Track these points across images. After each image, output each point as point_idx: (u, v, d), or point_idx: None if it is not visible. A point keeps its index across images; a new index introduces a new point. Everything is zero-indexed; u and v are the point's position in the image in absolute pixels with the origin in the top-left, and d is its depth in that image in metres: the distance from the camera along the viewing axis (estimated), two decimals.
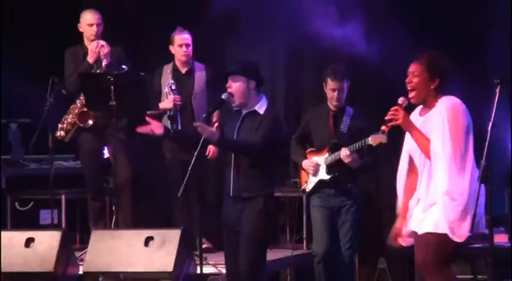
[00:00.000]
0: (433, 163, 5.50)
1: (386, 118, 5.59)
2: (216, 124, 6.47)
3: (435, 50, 5.76)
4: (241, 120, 6.41)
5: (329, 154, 7.19)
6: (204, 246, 6.65)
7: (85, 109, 8.02)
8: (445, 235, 5.46)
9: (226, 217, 6.45)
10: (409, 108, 5.69)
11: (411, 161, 5.71)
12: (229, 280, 6.49)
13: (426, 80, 5.55)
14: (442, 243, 5.47)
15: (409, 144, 5.68)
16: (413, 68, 5.59)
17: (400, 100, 5.58)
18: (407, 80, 5.60)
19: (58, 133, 8.12)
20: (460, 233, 5.48)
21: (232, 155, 6.40)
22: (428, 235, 5.50)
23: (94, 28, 8.10)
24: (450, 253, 5.53)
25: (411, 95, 5.58)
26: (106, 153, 8.21)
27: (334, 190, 7.21)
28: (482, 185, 5.53)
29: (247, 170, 6.37)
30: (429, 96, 5.57)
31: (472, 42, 8.47)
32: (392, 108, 5.58)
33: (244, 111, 6.43)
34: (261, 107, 6.42)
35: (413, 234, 5.64)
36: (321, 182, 7.24)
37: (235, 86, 6.34)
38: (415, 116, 5.69)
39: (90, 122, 8.05)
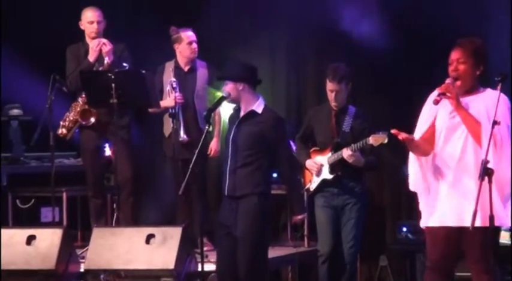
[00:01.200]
0: (492, 147, 5.25)
1: (439, 90, 5.40)
2: None
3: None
4: (240, 120, 6.44)
5: (332, 154, 7.19)
6: (205, 248, 6.63)
7: (87, 107, 8.00)
8: (494, 229, 5.26)
9: (221, 217, 6.44)
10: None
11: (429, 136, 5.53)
12: (220, 277, 6.46)
13: (472, 66, 5.42)
14: (493, 237, 5.31)
15: (445, 122, 5.47)
16: (457, 54, 5.43)
17: (448, 80, 5.40)
18: (451, 68, 5.44)
19: (60, 131, 8.12)
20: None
21: (229, 153, 6.39)
22: (484, 230, 5.23)
23: (95, 25, 8.09)
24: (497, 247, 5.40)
25: (458, 83, 5.40)
26: (107, 151, 8.20)
27: (338, 188, 7.21)
28: None
29: (241, 168, 6.36)
30: (474, 85, 5.45)
31: (471, 34, 8.44)
32: (445, 82, 5.39)
33: (242, 112, 6.46)
34: (258, 107, 6.44)
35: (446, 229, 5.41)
36: (324, 182, 7.25)
37: (227, 89, 6.44)
38: (431, 100, 5.50)
39: (92, 119, 8.04)
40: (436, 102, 5.43)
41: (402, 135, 5.43)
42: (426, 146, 5.50)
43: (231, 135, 6.42)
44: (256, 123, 6.40)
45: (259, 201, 6.35)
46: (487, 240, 5.27)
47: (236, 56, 8.53)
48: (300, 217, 6.61)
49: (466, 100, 5.45)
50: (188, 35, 8.12)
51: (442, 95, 5.38)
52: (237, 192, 6.35)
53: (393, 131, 5.48)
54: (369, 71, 8.44)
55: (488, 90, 5.48)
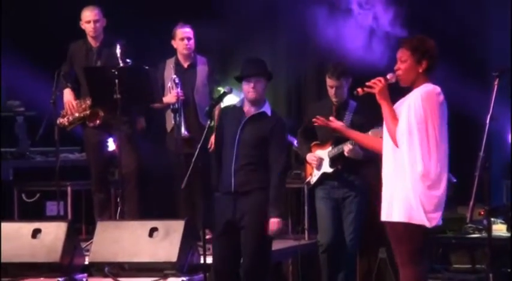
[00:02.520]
0: (399, 144, 5.44)
1: (366, 84, 5.58)
2: None
3: (421, 34, 5.73)
4: (246, 120, 6.46)
5: (332, 148, 7.21)
6: (207, 237, 6.65)
7: (95, 109, 8.00)
8: (418, 225, 5.38)
9: (223, 213, 6.45)
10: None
11: None
12: (217, 271, 6.48)
13: (413, 64, 5.50)
14: (415, 232, 5.40)
15: None
16: (400, 53, 5.54)
17: (389, 75, 5.55)
18: (395, 67, 5.55)
19: (60, 121, 8.07)
20: (430, 217, 5.38)
21: (234, 151, 6.41)
22: (400, 225, 5.43)
23: (91, 25, 8.08)
24: (421, 242, 5.44)
25: (400, 78, 5.53)
26: (111, 145, 8.21)
27: (338, 182, 7.24)
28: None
29: (248, 166, 6.41)
30: (418, 80, 5.51)
31: (471, 35, 8.46)
32: (376, 78, 5.55)
33: (252, 110, 6.48)
34: (267, 109, 6.53)
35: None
36: (324, 175, 7.27)
37: (261, 87, 6.46)
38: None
39: (98, 121, 8.05)
40: (357, 93, 5.65)
41: (332, 124, 5.66)
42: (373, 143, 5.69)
43: (238, 135, 6.43)
44: (265, 125, 6.46)
45: (266, 196, 6.42)
46: (401, 235, 5.40)
47: (239, 53, 8.55)
48: (272, 219, 6.40)
49: (407, 96, 5.52)
50: (182, 31, 8.09)
51: (367, 87, 5.55)
52: (245, 188, 6.40)
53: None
54: (369, 66, 8.43)
55: (422, 86, 5.49)
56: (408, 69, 5.50)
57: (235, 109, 6.58)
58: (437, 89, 5.48)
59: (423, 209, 5.37)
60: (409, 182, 5.40)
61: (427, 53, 5.49)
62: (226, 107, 6.89)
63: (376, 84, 5.52)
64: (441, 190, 5.41)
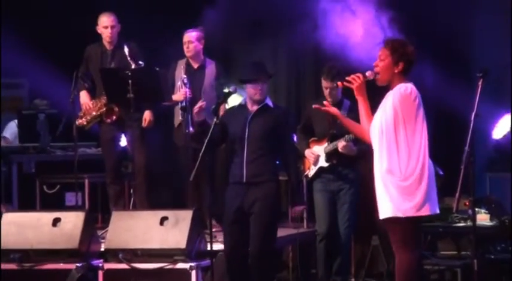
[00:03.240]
0: (373, 140, 5.45)
1: (346, 78, 5.57)
2: None
3: (403, 36, 5.71)
4: (252, 115, 6.49)
5: (328, 144, 7.22)
6: (214, 229, 6.64)
7: (110, 106, 8.00)
8: (399, 218, 5.37)
9: (234, 200, 6.45)
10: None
11: None
12: (230, 256, 6.49)
13: (390, 63, 5.46)
14: (394, 223, 5.40)
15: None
16: (380, 52, 5.52)
17: (368, 73, 5.52)
18: (374, 63, 5.53)
19: (79, 121, 8.09)
20: (406, 209, 5.35)
21: (244, 144, 6.42)
22: (385, 221, 5.45)
23: (109, 30, 8.10)
24: (411, 231, 5.41)
25: (377, 77, 5.51)
26: (124, 141, 8.21)
27: (333, 175, 7.25)
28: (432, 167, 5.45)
29: (260, 158, 6.44)
30: (394, 79, 5.48)
31: (457, 36, 8.43)
32: (355, 74, 5.54)
33: (256, 106, 6.49)
34: (269, 102, 6.56)
35: None
36: (321, 169, 7.28)
37: (264, 88, 6.51)
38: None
39: (114, 117, 8.05)
40: (337, 85, 5.74)
41: (326, 109, 5.66)
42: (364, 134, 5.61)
43: (246, 129, 6.44)
44: (270, 116, 6.49)
45: (276, 186, 6.49)
46: (389, 227, 5.43)
47: (242, 55, 8.52)
48: (300, 208, 6.66)
49: (386, 97, 5.49)
50: (185, 35, 8.11)
51: (346, 82, 5.54)
52: (256, 179, 6.43)
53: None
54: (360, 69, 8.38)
55: (397, 87, 5.46)
56: (385, 68, 5.47)
57: (240, 107, 6.61)
58: (410, 89, 5.42)
59: (394, 203, 5.36)
60: (379, 178, 5.42)
61: (405, 56, 5.47)
62: (232, 108, 6.89)
63: (355, 80, 5.50)
64: (412, 183, 5.35)
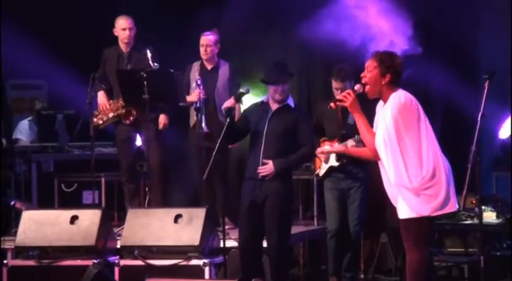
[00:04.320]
0: (380, 154, 5.41)
1: (337, 97, 5.56)
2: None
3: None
4: (272, 113, 6.52)
5: (338, 144, 7.20)
6: (226, 227, 6.65)
7: (129, 108, 8.02)
8: (417, 218, 5.37)
9: (250, 197, 6.47)
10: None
11: None
12: (244, 249, 6.50)
13: (378, 75, 5.43)
14: (410, 223, 5.40)
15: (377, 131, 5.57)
16: (368, 63, 5.49)
17: (356, 87, 5.49)
18: (361, 75, 5.50)
19: (95, 120, 8.11)
20: (426, 210, 5.35)
21: (262, 141, 6.42)
22: (404, 220, 5.44)
23: (127, 32, 8.12)
24: (424, 232, 5.41)
25: (366, 88, 5.47)
26: (139, 141, 8.22)
27: (343, 174, 7.24)
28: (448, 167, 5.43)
29: (276, 155, 6.47)
30: (383, 91, 5.44)
31: (464, 39, 8.41)
32: (345, 91, 5.51)
33: (276, 105, 6.52)
34: (291, 102, 6.59)
35: None
36: (331, 168, 7.27)
37: (286, 89, 6.55)
38: (379, 106, 5.56)
39: (132, 118, 8.08)
40: (330, 107, 5.64)
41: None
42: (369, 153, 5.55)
43: (265, 127, 6.47)
44: (289, 116, 6.53)
45: (289, 182, 6.57)
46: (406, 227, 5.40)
47: (255, 59, 8.52)
48: (269, 165, 6.47)
49: (383, 110, 5.46)
50: (203, 38, 8.11)
51: (338, 101, 5.51)
52: (272, 176, 6.43)
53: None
54: None
55: (391, 98, 5.43)
56: (373, 79, 5.43)
57: (262, 105, 6.62)
58: (403, 96, 5.38)
59: (411, 206, 5.36)
60: (396, 188, 5.41)
61: (392, 68, 5.43)
62: (255, 104, 6.85)
63: (347, 98, 5.46)
64: (426, 189, 5.33)
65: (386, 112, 5.40)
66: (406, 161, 5.33)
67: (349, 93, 5.46)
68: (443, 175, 5.36)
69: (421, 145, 5.35)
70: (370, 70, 5.45)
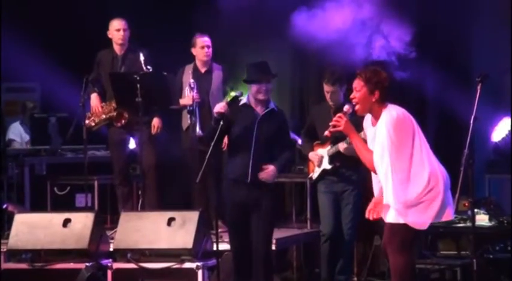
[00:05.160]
0: (377, 171, 5.48)
1: (330, 124, 5.60)
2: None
3: (373, 65, 5.75)
4: (261, 117, 6.45)
5: (331, 147, 7.19)
6: (220, 230, 6.62)
7: (120, 111, 7.99)
8: (404, 224, 5.41)
9: (237, 200, 6.41)
10: None
11: None
12: (237, 254, 6.46)
13: (366, 94, 5.47)
14: (403, 230, 5.42)
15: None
16: (355, 83, 5.55)
17: (345, 108, 5.61)
18: (351, 96, 5.56)
19: (87, 122, 8.07)
20: (419, 223, 5.40)
21: (251, 146, 6.39)
22: (391, 224, 5.48)
23: (121, 33, 8.10)
24: (410, 238, 5.45)
25: (356, 108, 5.54)
26: (132, 143, 8.19)
27: (336, 177, 7.22)
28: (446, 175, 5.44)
29: (265, 160, 6.41)
30: (373, 108, 5.50)
31: (457, 43, 8.41)
32: (336, 116, 5.58)
33: (261, 110, 6.46)
34: (273, 105, 6.53)
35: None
36: (324, 171, 7.24)
37: (270, 89, 6.48)
38: (367, 123, 5.63)
39: (124, 121, 8.05)
40: (326, 137, 5.89)
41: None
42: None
43: (255, 130, 6.40)
44: (276, 120, 6.48)
45: (276, 188, 6.53)
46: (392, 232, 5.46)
47: (248, 58, 8.47)
48: (268, 168, 6.39)
49: (376, 126, 5.50)
50: (202, 40, 8.09)
51: (332, 128, 5.60)
52: (260, 180, 6.40)
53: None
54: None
55: (385, 112, 5.46)
56: (362, 98, 5.49)
57: (245, 107, 6.53)
58: (395, 112, 5.43)
59: (400, 213, 5.41)
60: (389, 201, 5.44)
61: (379, 84, 5.47)
62: (235, 105, 6.66)
63: (339, 122, 5.54)
64: (418, 204, 5.37)
65: (380, 129, 5.43)
66: (402, 176, 5.37)
67: (340, 117, 5.55)
68: (441, 184, 5.41)
69: (416, 158, 5.39)
70: (359, 90, 5.51)
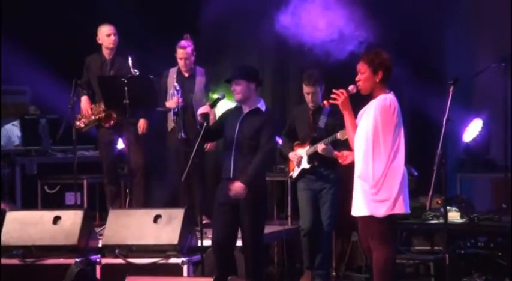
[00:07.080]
0: (355, 145, 5.51)
1: (331, 96, 5.60)
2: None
3: (376, 47, 5.77)
4: (244, 116, 6.41)
5: (309, 147, 7.24)
6: (204, 222, 6.64)
7: (109, 112, 8.00)
8: (370, 216, 5.45)
9: (221, 196, 6.42)
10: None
11: None
12: (218, 249, 6.43)
13: (370, 74, 5.51)
14: (370, 222, 5.46)
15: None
16: (359, 66, 5.57)
17: (350, 87, 5.56)
18: (356, 79, 5.57)
19: (77, 124, 8.09)
20: (381, 211, 5.43)
21: (234, 140, 6.38)
22: (359, 218, 5.54)
23: (112, 37, 8.12)
24: (384, 229, 5.46)
25: (359, 85, 5.55)
26: (120, 144, 8.21)
27: (315, 175, 7.28)
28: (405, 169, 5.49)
29: (247, 155, 6.37)
30: (375, 89, 5.53)
31: (430, 48, 8.46)
32: (339, 91, 5.57)
33: (246, 109, 6.43)
34: (262, 106, 6.46)
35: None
36: (303, 170, 7.29)
37: (238, 89, 6.37)
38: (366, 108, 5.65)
39: (112, 122, 8.06)
40: (323, 105, 5.84)
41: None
42: None
43: (237, 129, 6.39)
44: (259, 119, 6.40)
45: (263, 182, 6.47)
46: (365, 225, 5.49)
47: (231, 64, 8.50)
48: (238, 183, 6.25)
49: (368, 105, 5.54)
50: (180, 51, 8.03)
51: (331, 99, 5.59)
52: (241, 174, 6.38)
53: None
54: (339, 74, 8.37)
55: (378, 98, 5.51)
56: (366, 79, 5.52)
57: (236, 109, 6.56)
58: (389, 101, 5.48)
59: (368, 205, 5.45)
60: (355, 182, 5.50)
61: (382, 64, 5.52)
62: (230, 108, 6.74)
63: (339, 96, 5.54)
64: (382, 188, 5.42)
65: (370, 110, 5.46)
66: (375, 159, 5.39)
67: (342, 93, 5.55)
68: (401, 179, 5.44)
69: (389, 149, 5.40)
70: (363, 72, 5.54)
